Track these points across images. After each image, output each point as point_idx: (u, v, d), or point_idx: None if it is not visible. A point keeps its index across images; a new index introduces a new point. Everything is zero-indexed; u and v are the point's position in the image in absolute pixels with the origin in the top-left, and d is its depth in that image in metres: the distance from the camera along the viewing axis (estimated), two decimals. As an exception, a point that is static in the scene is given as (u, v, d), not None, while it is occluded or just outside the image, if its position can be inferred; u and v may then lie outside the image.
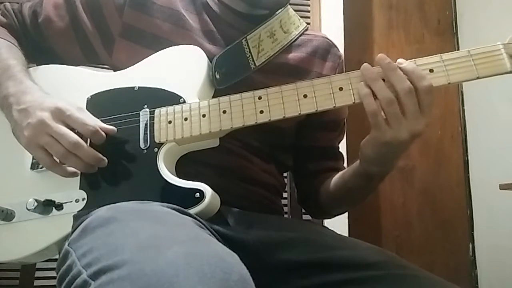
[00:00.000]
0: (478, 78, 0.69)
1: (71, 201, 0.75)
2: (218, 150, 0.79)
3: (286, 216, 1.26)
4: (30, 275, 1.29)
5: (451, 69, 0.70)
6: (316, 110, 0.72)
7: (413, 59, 0.71)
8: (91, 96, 0.83)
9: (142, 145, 0.76)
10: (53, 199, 0.76)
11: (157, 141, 0.76)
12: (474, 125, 2.12)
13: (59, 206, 0.75)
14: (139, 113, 0.79)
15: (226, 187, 0.77)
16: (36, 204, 0.73)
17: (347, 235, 1.66)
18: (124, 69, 0.86)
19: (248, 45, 0.86)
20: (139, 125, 0.78)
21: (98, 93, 0.83)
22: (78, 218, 0.68)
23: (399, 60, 0.70)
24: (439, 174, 2.09)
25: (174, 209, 0.63)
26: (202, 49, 0.83)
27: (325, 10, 2.01)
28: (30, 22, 0.92)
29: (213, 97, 0.80)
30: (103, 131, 0.75)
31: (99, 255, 0.49)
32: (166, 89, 0.79)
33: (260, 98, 0.74)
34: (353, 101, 0.71)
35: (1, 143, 0.82)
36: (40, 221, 0.75)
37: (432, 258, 1.98)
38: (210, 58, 0.83)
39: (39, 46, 0.93)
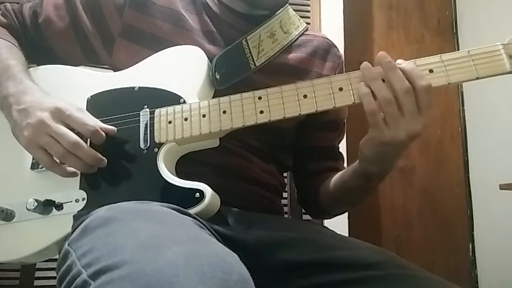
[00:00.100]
0: (477, 78, 0.69)
1: (71, 201, 0.75)
2: (218, 150, 0.79)
3: (286, 216, 1.26)
4: (30, 275, 1.29)
5: (450, 70, 0.70)
6: (316, 110, 0.72)
7: (413, 60, 0.71)
8: (91, 96, 0.83)
9: (142, 145, 0.76)
10: (53, 199, 0.76)
11: (157, 141, 0.76)
12: (474, 125, 2.12)
13: (59, 206, 0.76)
14: (139, 113, 0.79)
15: (226, 187, 0.77)
16: (36, 204, 0.73)
17: (347, 235, 1.66)
18: (124, 69, 0.86)
19: (248, 46, 0.86)
20: (139, 125, 0.78)
21: (98, 93, 0.83)
22: (78, 218, 0.68)
23: (398, 61, 0.70)
24: (439, 174, 2.09)
25: (174, 209, 0.63)
26: (202, 49, 0.83)
27: (325, 10, 2.01)
28: (30, 22, 0.92)
29: (213, 97, 0.80)
30: (103, 131, 0.75)
31: (99, 255, 0.49)
32: (166, 89, 0.80)
33: (260, 98, 0.74)
34: (353, 101, 0.71)
35: (1, 143, 0.82)
36: (40, 221, 0.75)
37: (432, 258, 1.98)
38: (210, 59, 0.83)
39: (39, 47, 0.93)
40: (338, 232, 0.83)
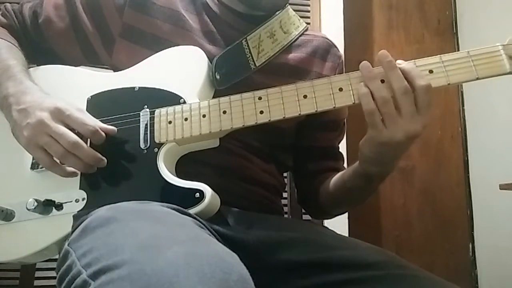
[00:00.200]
0: (477, 79, 0.69)
1: (71, 201, 0.75)
2: (218, 150, 0.79)
3: (286, 216, 1.26)
4: (30, 275, 1.29)
5: (450, 70, 0.70)
6: (316, 111, 0.72)
7: (413, 60, 0.71)
8: (91, 96, 0.83)
9: (142, 145, 0.76)
10: (53, 199, 0.76)
11: (157, 141, 0.76)
12: (474, 125, 2.12)
13: (59, 206, 0.76)
14: (139, 113, 0.79)
15: (226, 187, 0.77)
16: (36, 204, 0.73)
17: (347, 235, 1.66)
18: (124, 69, 0.86)
19: (248, 46, 0.86)
20: (139, 125, 0.78)
21: (99, 93, 0.83)
22: (78, 218, 0.68)
23: (398, 61, 0.70)
24: (439, 174, 2.09)
25: (174, 209, 0.63)
26: (202, 49, 0.83)
27: (325, 10, 2.01)
28: (31, 22, 0.92)
29: (213, 97, 0.80)
30: (103, 131, 0.75)
31: (99, 255, 0.49)
32: (166, 89, 0.80)
33: (260, 98, 0.74)
34: (353, 101, 0.71)
35: (1, 143, 0.82)
36: (40, 221, 0.75)
37: (432, 258, 1.98)
38: (210, 59, 0.83)
39: (39, 47, 0.93)
40: (338, 232, 0.83)
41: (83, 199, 0.75)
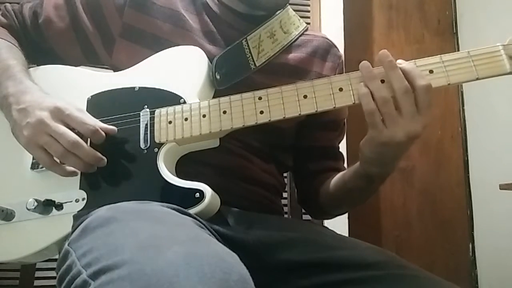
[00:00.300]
0: (477, 79, 0.69)
1: (71, 201, 0.75)
2: (218, 150, 0.79)
3: (286, 216, 1.26)
4: (30, 275, 1.29)
5: (451, 70, 0.70)
6: (316, 111, 0.72)
7: (413, 60, 0.71)
8: (91, 96, 0.83)
9: (142, 145, 0.76)
10: (53, 199, 0.76)
11: (157, 141, 0.76)
12: (474, 125, 2.12)
13: (59, 206, 0.76)
14: (139, 113, 0.79)
15: (226, 187, 0.77)
16: (36, 204, 0.73)
17: (347, 235, 1.66)
18: (124, 69, 0.86)
19: (248, 46, 0.86)
20: (139, 125, 0.78)
21: (99, 93, 0.83)
22: (78, 218, 0.68)
23: (399, 61, 0.70)
24: (439, 174, 2.09)
25: (174, 209, 0.63)
26: (202, 49, 0.83)
27: (325, 10, 2.01)
28: (31, 22, 0.92)
29: (213, 97, 0.80)
30: (103, 130, 0.75)
31: (99, 255, 0.49)
32: (166, 89, 0.80)
33: (260, 98, 0.74)
34: (353, 101, 0.71)
35: (1, 143, 0.82)
36: (40, 221, 0.75)
37: (432, 258, 1.98)
38: (210, 59, 0.83)
39: (39, 47, 0.93)
40: (338, 232, 0.83)
41: (83, 199, 0.75)
